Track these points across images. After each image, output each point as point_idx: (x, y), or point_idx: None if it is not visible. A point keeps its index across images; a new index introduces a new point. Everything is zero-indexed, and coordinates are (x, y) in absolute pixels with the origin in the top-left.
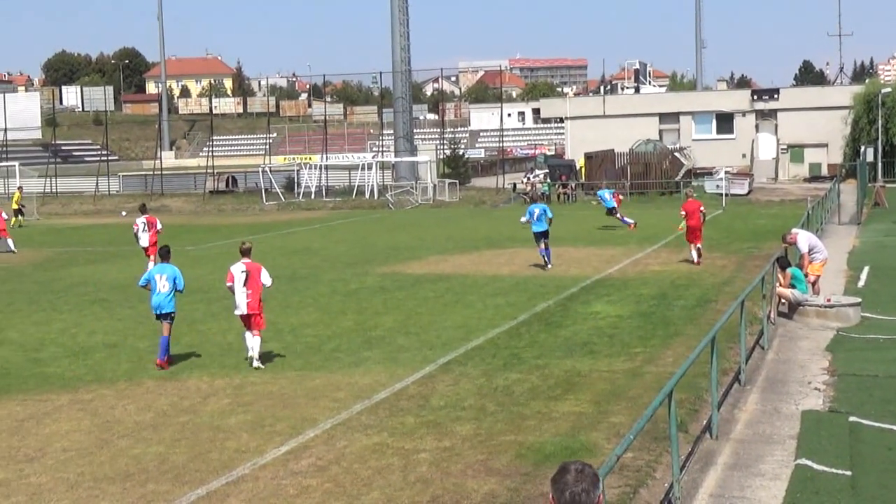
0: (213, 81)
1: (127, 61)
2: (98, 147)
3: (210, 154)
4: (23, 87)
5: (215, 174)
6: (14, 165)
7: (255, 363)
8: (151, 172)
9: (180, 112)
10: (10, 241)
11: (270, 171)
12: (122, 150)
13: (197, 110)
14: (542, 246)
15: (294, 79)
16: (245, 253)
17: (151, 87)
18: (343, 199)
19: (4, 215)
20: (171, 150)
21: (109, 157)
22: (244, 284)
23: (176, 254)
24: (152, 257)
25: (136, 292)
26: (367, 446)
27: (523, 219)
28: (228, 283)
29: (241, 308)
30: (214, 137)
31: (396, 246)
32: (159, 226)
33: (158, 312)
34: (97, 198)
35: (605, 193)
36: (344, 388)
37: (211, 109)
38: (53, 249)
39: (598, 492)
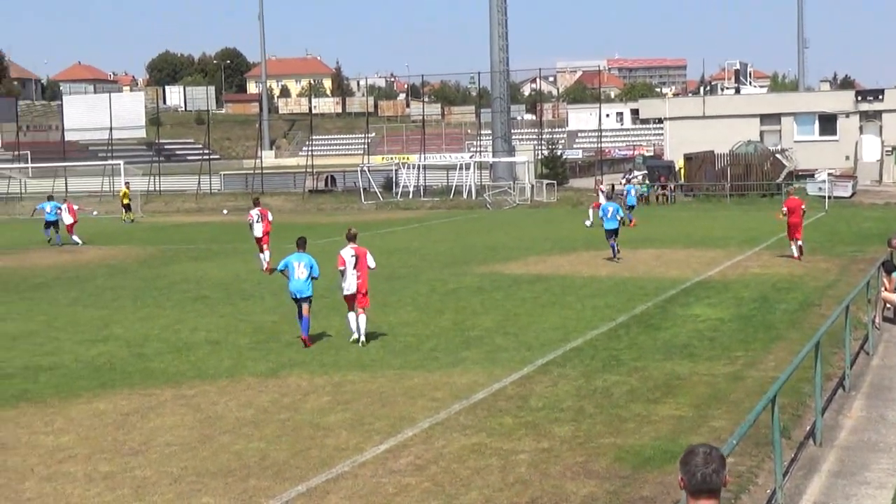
0: (312, 81)
1: (228, 61)
2: (200, 146)
3: (309, 153)
4: (128, 87)
5: (314, 173)
6: (119, 164)
7: (361, 339)
8: (252, 171)
9: (280, 112)
10: (76, 237)
11: (369, 170)
12: (224, 149)
13: (296, 110)
14: (612, 240)
15: (392, 79)
16: (352, 238)
17: (252, 87)
18: (441, 199)
19: (76, 206)
20: (271, 149)
21: (211, 156)
22: (354, 267)
23: (275, 251)
24: (265, 247)
25: (238, 290)
26: (466, 446)
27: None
28: (340, 267)
29: (352, 288)
30: (314, 137)
31: (494, 246)
32: (270, 217)
33: (298, 296)
34: (199, 196)
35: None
36: (442, 388)
37: (310, 109)
38: (157, 247)
39: (725, 472)
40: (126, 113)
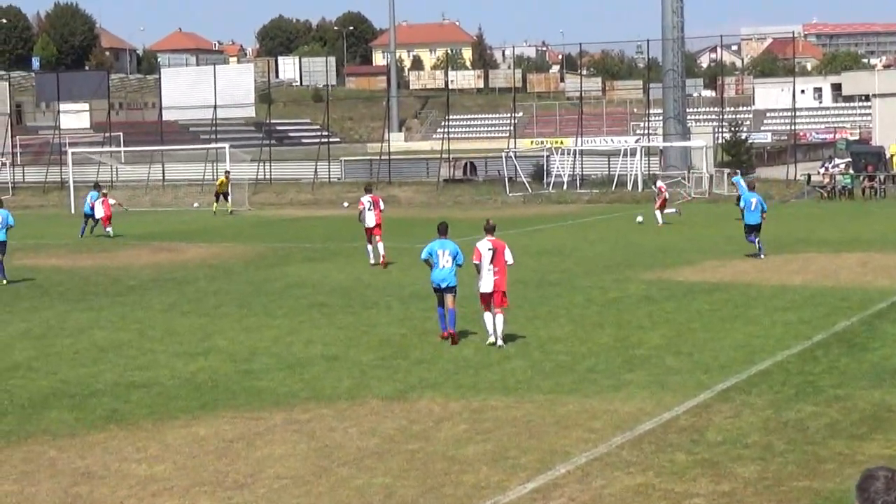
0: (449, 51)
1: (351, 28)
2: (317, 127)
3: (445, 136)
4: (234, 59)
5: (451, 160)
6: (224, 148)
7: (499, 342)
8: (378, 157)
9: (411, 87)
10: (109, 229)
11: (515, 156)
12: (345, 130)
13: (430, 85)
14: (754, 237)
15: (544, 48)
16: (490, 230)
17: (379, 58)
18: (601, 191)
19: (112, 200)
20: (400, 131)
21: (330, 139)
22: (491, 262)
23: (404, 252)
24: (377, 237)
25: (360, 296)
26: (629, 487)
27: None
28: (476, 261)
29: (488, 286)
30: (450, 117)
31: (664, 248)
32: (382, 205)
33: (442, 286)
34: (316, 186)
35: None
36: (601, 417)
37: (447, 84)
38: (266, 245)
39: None
40: (233, 88)
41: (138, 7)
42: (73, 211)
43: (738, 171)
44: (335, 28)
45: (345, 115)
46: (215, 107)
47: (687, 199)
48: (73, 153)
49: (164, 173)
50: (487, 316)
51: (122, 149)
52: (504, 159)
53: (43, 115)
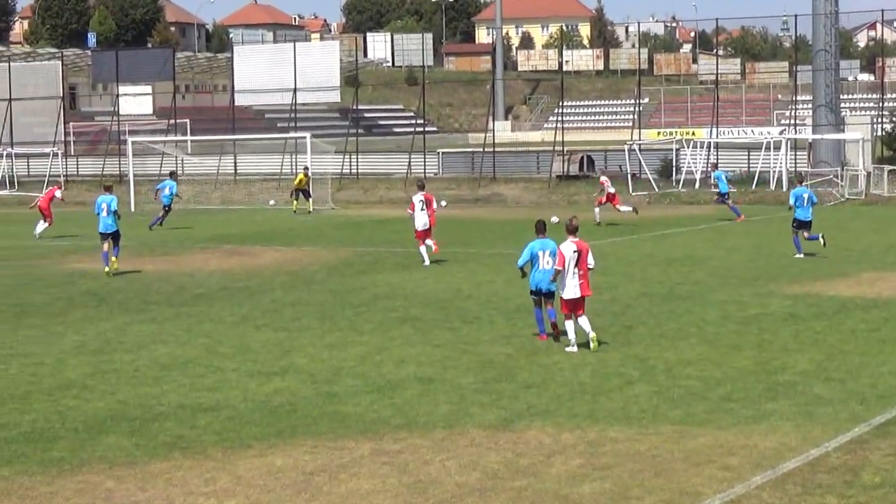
0: (564, 28)
1: (451, 1)
2: (411, 114)
3: (559, 126)
4: (317, 35)
5: (565, 153)
6: (304, 137)
7: (592, 344)
8: (481, 149)
9: (520, 68)
10: (40, 224)
11: (640, 149)
12: (443, 118)
13: (542, 66)
14: (805, 235)
15: (673, 24)
16: (573, 231)
17: (482, 35)
18: (739, 191)
19: (58, 194)
20: (506, 119)
21: (426, 128)
22: (576, 265)
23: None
24: (429, 241)
25: (459, 310)
26: None
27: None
28: (559, 267)
29: (573, 291)
30: (565, 103)
31: (813, 257)
32: (436, 205)
33: (543, 289)
34: (409, 182)
35: (723, 175)
36: (738, 452)
37: (561, 65)
38: (352, 249)
39: None
40: (315, 69)
41: None
42: (132, 208)
43: (717, 164)
44: (433, 1)
45: (443, 100)
46: (295, 90)
47: (837, 201)
48: (133, 142)
49: (235, 166)
50: (569, 324)
51: (189, 138)
52: (627, 153)
53: (100, 98)
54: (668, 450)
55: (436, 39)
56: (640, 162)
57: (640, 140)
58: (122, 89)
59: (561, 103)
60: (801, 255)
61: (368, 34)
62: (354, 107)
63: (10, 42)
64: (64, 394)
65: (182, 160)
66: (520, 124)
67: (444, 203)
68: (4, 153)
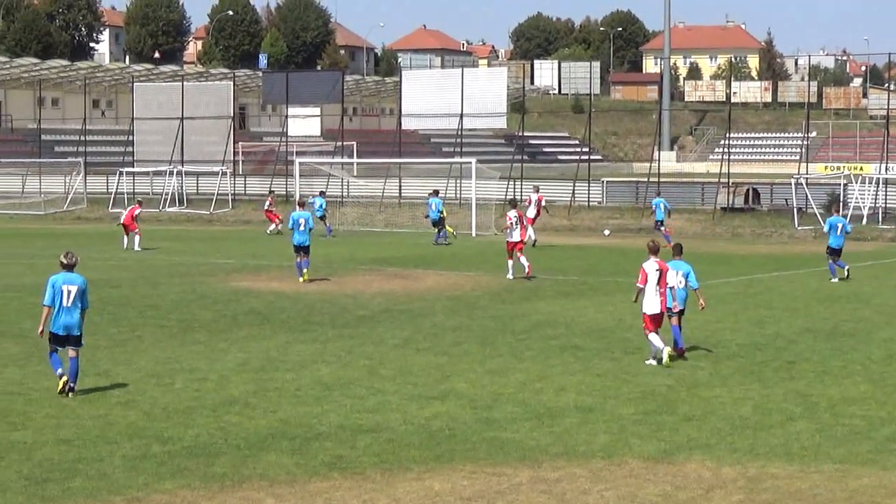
0: (733, 59)
1: (619, 29)
2: (576, 142)
3: (725, 157)
4: (485, 61)
5: (731, 185)
6: (470, 163)
7: (665, 360)
8: (645, 179)
9: (686, 99)
10: (137, 238)
11: (807, 183)
12: (608, 147)
13: (709, 97)
14: (832, 261)
15: (844, 58)
16: (655, 251)
17: (650, 65)
18: None
19: (137, 211)
20: (671, 149)
21: (591, 157)
22: (657, 283)
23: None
24: (519, 252)
25: (621, 339)
26: None
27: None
28: (640, 285)
29: (656, 307)
30: (731, 135)
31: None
32: (530, 232)
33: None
34: (573, 210)
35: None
36: None
37: (728, 97)
38: (514, 275)
39: None
40: (482, 95)
41: (378, 1)
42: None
43: (658, 192)
44: (601, 29)
45: (608, 128)
46: (461, 115)
47: None
48: (300, 163)
49: (400, 189)
50: (654, 336)
51: (356, 160)
52: (793, 186)
53: (269, 119)
54: (830, 489)
55: (603, 68)
56: (806, 196)
57: (806, 174)
58: (291, 110)
59: (727, 135)
60: (836, 280)
61: (536, 61)
62: (520, 133)
63: (184, 62)
64: (227, 410)
65: (348, 182)
66: (685, 155)
67: (607, 232)
68: (175, 171)
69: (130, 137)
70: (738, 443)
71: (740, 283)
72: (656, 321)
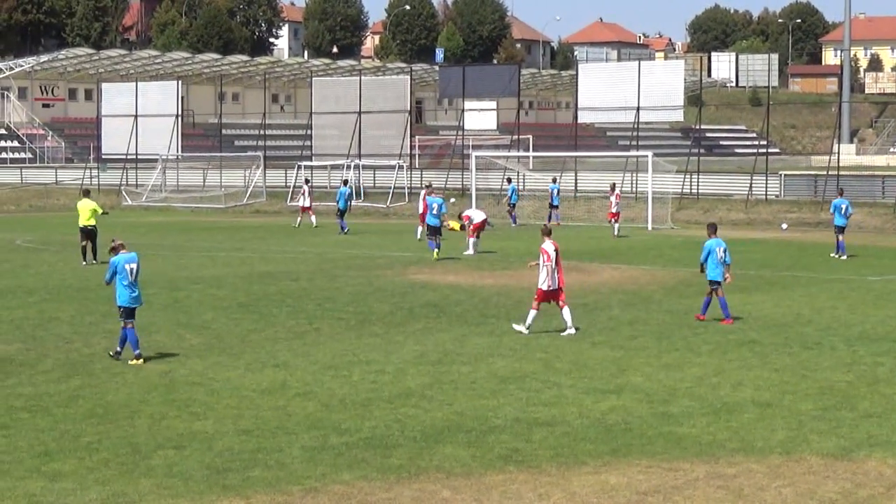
0: None
1: (799, 21)
2: (754, 135)
3: None
4: (661, 54)
5: None
6: (647, 156)
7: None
8: (824, 172)
9: (867, 91)
10: (313, 218)
11: None
12: (786, 140)
13: (890, 89)
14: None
15: None
16: (548, 234)
17: (829, 57)
18: None
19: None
20: (851, 142)
21: (769, 150)
22: (555, 262)
23: (858, 286)
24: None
25: (798, 335)
26: None
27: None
28: (547, 263)
29: (551, 284)
30: None
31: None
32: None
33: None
34: (750, 203)
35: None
36: None
37: None
38: (690, 270)
39: None
40: (659, 88)
41: None
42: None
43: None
44: (779, 21)
45: (786, 121)
46: (638, 109)
47: None
48: (476, 157)
49: (576, 183)
50: (534, 313)
51: (531, 154)
52: None
53: (445, 113)
54: None
55: (781, 60)
56: None
57: None
58: (468, 104)
59: None
60: (845, 257)
61: (713, 54)
62: (697, 126)
63: (362, 56)
64: (403, 402)
65: (524, 176)
66: (865, 148)
67: (784, 226)
68: (353, 164)
69: (308, 132)
70: None
71: None
72: (546, 297)
